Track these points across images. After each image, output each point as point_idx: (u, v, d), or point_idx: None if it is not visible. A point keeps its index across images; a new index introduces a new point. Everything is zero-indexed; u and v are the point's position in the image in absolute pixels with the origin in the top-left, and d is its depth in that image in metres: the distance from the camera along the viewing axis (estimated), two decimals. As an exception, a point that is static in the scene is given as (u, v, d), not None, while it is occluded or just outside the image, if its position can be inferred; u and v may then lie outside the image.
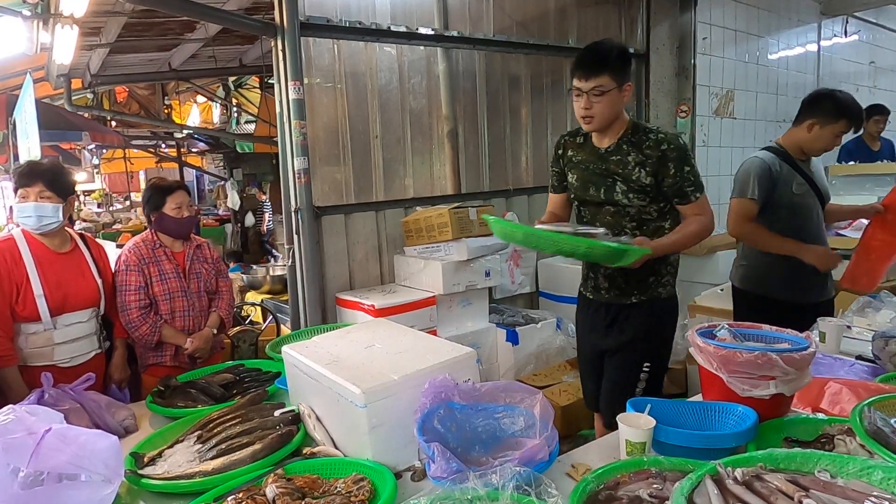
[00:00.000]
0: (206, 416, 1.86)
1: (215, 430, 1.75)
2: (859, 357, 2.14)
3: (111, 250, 3.10)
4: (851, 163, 4.86)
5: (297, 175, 3.38)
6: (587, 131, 2.29)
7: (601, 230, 2.10)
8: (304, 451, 1.62)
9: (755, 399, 1.52)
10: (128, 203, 13.87)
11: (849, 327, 2.40)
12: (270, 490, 1.36)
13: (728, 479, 1.13)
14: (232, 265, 6.78)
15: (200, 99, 11.14)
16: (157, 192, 2.68)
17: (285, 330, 4.10)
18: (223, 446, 1.64)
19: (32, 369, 2.26)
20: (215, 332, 2.76)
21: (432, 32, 3.98)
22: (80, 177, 12.86)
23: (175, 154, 13.24)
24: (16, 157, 5.73)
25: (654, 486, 1.27)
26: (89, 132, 7.32)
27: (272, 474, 1.44)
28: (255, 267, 6.00)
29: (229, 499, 1.36)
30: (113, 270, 2.60)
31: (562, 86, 4.76)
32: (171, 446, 1.73)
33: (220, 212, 12.70)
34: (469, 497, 1.17)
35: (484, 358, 3.68)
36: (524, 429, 1.51)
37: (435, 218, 3.56)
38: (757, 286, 2.82)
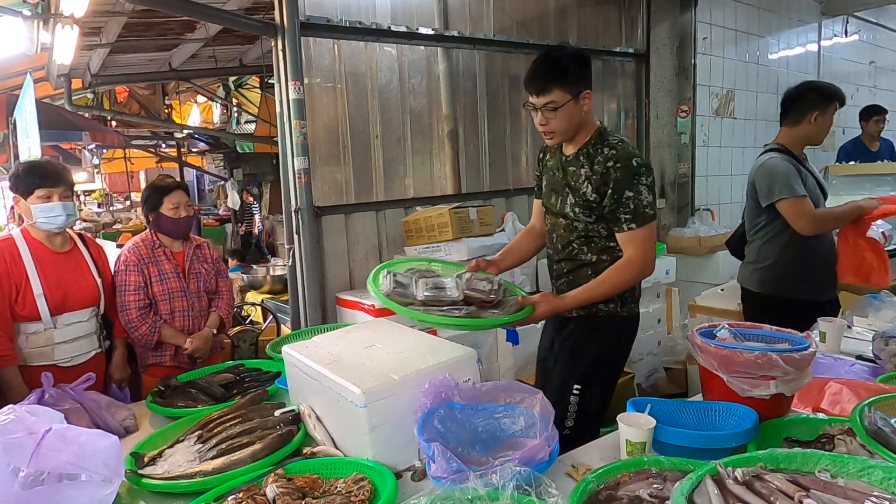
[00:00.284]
0: (207, 416, 1.85)
1: (215, 430, 1.75)
2: (859, 357, 2.14)
3: (111, 250, 3.10)
4: (851, 163, 4.86)
5: (297, 175, 3.38)
6: (548, 148, 2.23)
7: (484, 281, 2.00)
8: (305, 451, 1.62)
9: (755, 399, 1.52)
10: (128, 203, 13.89)
11: (849, 327, 2.40)
12: (270, 490, 1.36)
13: (728, 479, 1.13)
14: (233, 265, 6.79)
15: (200, 99, 11.16)
16: (155, 192, 2.68)
17: (285, 330, 4.10)
18: (223, 446, 1.64)
19: (32, 369, 2.26)
20: (215, 332, 2.75)
21: (432, 32, 3.98)
22: (80, 177, 12.88)
23: (175, 154, 13.26)
24: (16, 157, 5.73)
25: (655, 486, 1.27)
26: (89, 132, 7.33)
27: (272, 474, 1.44)
28: (255, 267, 6.01)
29: (229, 499, 1.35)
30: (113, 270, 2.60)
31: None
32: (171, 446, 1.73)
33: (221, 212, 12.72)
34: (469, 497, 1.17)
35: (484, 358, 3.67)
36: (524, 429, 1.51)
37: (435, 218, 3.56)
38: (777, 289, 2.77)
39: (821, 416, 1.62)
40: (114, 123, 10.20)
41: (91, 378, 1.98)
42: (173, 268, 2.67)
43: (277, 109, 3.46)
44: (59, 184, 2.32)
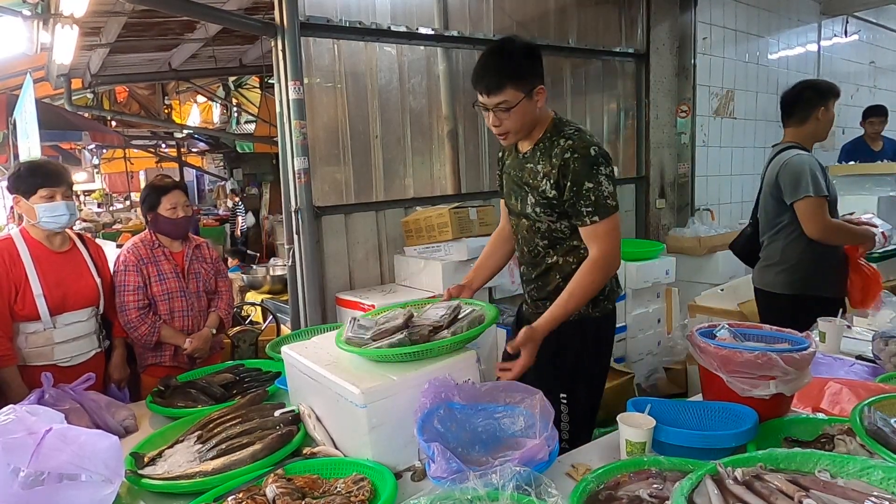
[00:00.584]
0: (206, 416, 1.86)
1: (215, 431, 1.75)
2: (859, 357, 2.14)
3: (111, 250, 3.10)
4: (851, 163, 4.86)
5: (297, 175, 3.38)
6: (505, 146, 2.12)
7: (439, 308, 1.83)
8: (304, 451, 1.62)
9: (755, 399, 1.52)
10: (128, 203, 13.87)
11: (849, 327, 2.40)
12: (270, 490, 1.36)
13: (728, 479, 1.13)
14: (233, 265, 6.79)
15: (200, 99, 11.15)
16: (153, 192, 2.67)
17: (285, 330, 4.10)
18: (223, 446, 1.64)
19: (32, 369, 2.26)
20: (214, 332, 2.75)
21: (432, 32, 3.98)
22: (80, 177, 12.90)
23: (175, 154, 13.26)
24: (16, 157, 5.73)
25: (654, 486, 1.27)
26: (89, 132, 7.33)
27: (272, 474, 1.44)
28: (255, 267, 6.01)
29: (229, 499, 1.36)
30: (112, 270, 2.60)
31: (562, 86, 4.76)
32: (171, 446, 1.73)
33: (220, 212, 12.71)
34: (469, 497, 1.17)
35: (484, 358, 3.67)
36: (524, 429, 1.51)
37: (435, 218, 3.56)
38: (805, 288, 2.73)
39: (820, 416, 1.63)
40: (114, 123, 10.20)
41: (91, 378, 1.98)
42: (172, 268, 2.67)
43: (277, 109, 3.46)
44: (61, 183, 2.33)
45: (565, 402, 2.05)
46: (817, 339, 2.20)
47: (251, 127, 10.72)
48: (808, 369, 1.56)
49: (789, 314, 2.72)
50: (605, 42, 4.93)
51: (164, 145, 13.34)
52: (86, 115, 8.15)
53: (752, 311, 3.23)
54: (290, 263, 3.54)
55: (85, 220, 10.28)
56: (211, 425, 1.79)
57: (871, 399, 1.48)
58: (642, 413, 1.51)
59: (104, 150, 12.84)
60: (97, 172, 14.72)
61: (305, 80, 3.39)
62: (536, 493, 1.19)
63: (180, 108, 11.33)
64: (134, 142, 12.57)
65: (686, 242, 4.83)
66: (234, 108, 10.65)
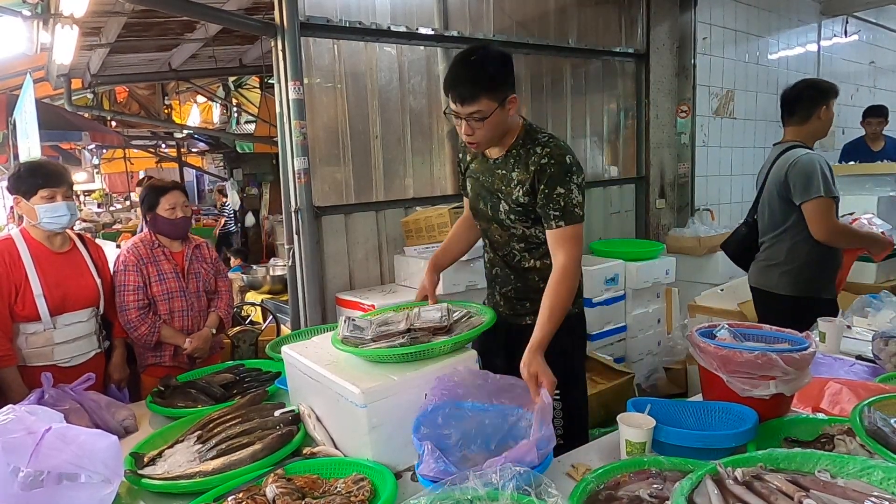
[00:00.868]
0: (206, 416, 1.86)
1: (215, 430, 1.75)
2: (859, 357, 2.14)
3: (111, 250, 3.10)
4: (851, 163, 4.86)
5: (297, 175, 3.38)
6: (475, 153, 2.10)
7: (433, 311, 1.90)
8: (304, 451, 1.62)
9: (755, 399, 1.52)
10: (128, 203, 13.86)
11: (849, 327, 2.40)
12: (270, 490, 1.36)
13: (728, 479, 1.13)
14: (234, 264, 6.79)
15: (200, 99, 11.14)
16: (152, 193, 2.68)
17: (285, 330, 4.10)
18: (223, 446, 1.64)
19: (32, 369, 2.26)
20: (214, 332, 2.75)
21: (432, 32, 3.97)
22: (80, 177, 12.88)
23: (175, 154, 13.25)
24: (16, 157, 5.72)
25: (654, 486, 1.27)
26: (89, 132, 7.32)
27: (272, 474, 1.44)
28: (255, 267, 6.01)
29: (229, 499, 1.36)
30: (112, 271, 2.60)
31: (562, 86, 4.76)
32: (171, 446, 1.73)
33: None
34: (469, 497, 1.17)
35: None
36: (526, 429, 1.51)
37: (435, 218, 3.56)
38: (809, 289, 2.71)
39: (820, 416, 1.63)
40: (113, 123, 10.19)
41: (91, 378, 1.98)
42: (172, 268, 2.67)
43: (277, 109, 3.46)
44: (61, 184, 2.33)
45: (558, 398, 2.06)
46: (817, 339, 2.20)
47: (251, 127, 10.71)
48: (808, 369, 1.56)
49: (790, 316, 2.72)
50: (605, 42, 4.93)
51: (164, 145, 13.33)
52: (86, 115, 8.14)
53: (752, 311, 3.22)
54: (290, 263, 3.54)
55: (85, 221, 10.27)
56: (211, 425, 1.79)
57: (871, 399, 1.49)
58: (642, 413, 1.51)
59: (104, 151, 12.84)
60: (97, 172, 14.70)
61: (305, 81, 3.39)
62: (536, 494, 1.19)
63: (180, 109, 11.33)
64: (134, 142, 12.57)
65: (686, 242, 4.83)
66: (234, 109, 10.64)
